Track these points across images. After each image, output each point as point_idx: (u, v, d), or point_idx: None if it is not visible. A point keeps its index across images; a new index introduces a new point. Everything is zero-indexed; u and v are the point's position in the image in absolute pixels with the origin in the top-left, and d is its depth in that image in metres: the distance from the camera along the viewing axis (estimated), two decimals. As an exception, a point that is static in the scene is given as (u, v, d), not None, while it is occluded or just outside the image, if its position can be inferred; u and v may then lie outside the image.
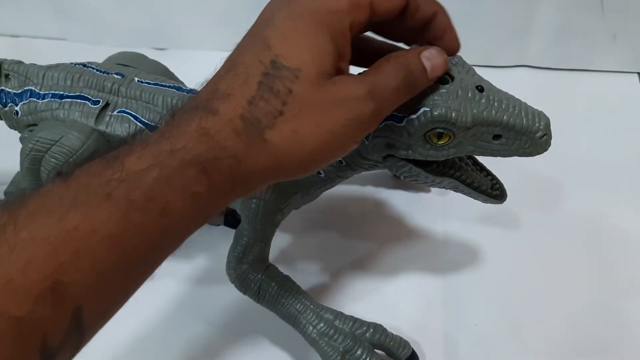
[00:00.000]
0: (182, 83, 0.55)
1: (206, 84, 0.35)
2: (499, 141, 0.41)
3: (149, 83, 0.49)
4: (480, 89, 0.40)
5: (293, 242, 0.59)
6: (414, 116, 0.39)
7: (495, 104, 0.40)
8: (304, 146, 0.33)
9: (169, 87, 0.49)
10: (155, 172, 0.30)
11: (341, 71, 0.35)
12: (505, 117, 0.40)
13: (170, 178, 0.30)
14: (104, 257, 0.29)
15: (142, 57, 0.54)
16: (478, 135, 0.40)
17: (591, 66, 0.74)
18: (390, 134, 0.41)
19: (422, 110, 0.39)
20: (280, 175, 0.34)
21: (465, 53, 0.83)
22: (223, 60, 0.35)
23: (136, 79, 0.49)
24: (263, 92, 0.32)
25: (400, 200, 0.62)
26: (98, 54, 0.81)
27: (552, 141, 0.41)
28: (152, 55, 0.81)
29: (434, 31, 0.39)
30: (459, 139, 0.40)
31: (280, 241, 0.58)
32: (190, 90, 0.50)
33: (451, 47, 0.40)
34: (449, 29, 0.39)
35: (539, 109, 0.42)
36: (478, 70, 0.43)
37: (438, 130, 0.39)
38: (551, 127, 0.41)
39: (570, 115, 0.71)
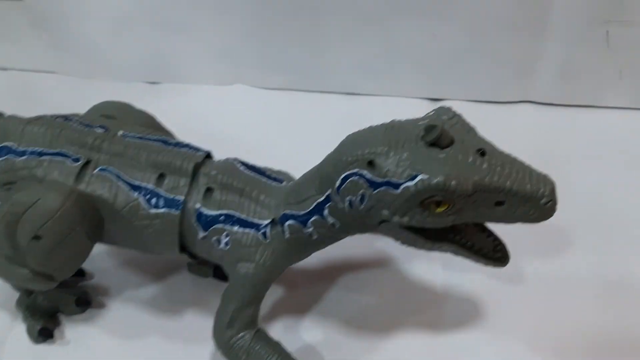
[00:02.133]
0: (169, 134, 0.53)
1: None
2: (501, 207, 0.39)
3: (133, 137, 0.46)
4: (482, 152, 0.38)
5: (286, 295, 0.56)
6: (410, 184, 0.37)
7: (498, 168, 0.38)
8: None
9: (154, 140, 0.47)
10: None
11: None
12: (508, 183, 0.37)
13: None
14: None
15: (128, 107, 0.51)
16: (479, 202, 0.38)
17: (597, 102, 0.72)
18: (385, 200, 0.38)
19: (419, 178, 0.37)
20: None
21: (470, 89, 0.81)
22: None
23: (120, 132, 0.46)
24: None
25: (399, 249, 0.59)
26: (90, 88, 0.80)
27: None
28: (146, 89, 0.80)
29: None
30: (459, 207, 0.38)
31: (272, 294, 0.56)
32: (177, 144, 0.47)
33: None
34: None
35: (544, 172, 0.39)
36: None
37: (436, 198, 0.37)
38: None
39: (576, 153, 0.69)
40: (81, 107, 0.76)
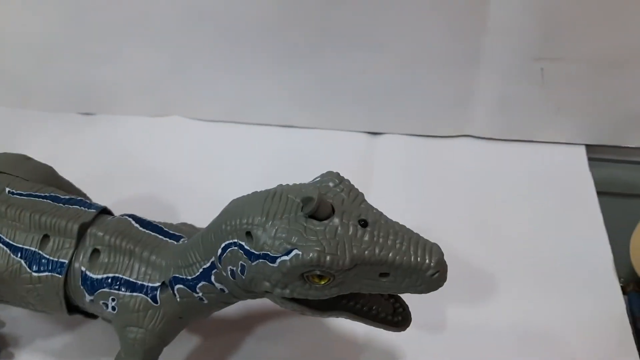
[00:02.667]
0: (69, 186, 0.50)
1: None
2: (386, 279, 0.37)
3: (20, 194, 0.44)
4: (364, 223, 0.36)
5: (200, 345, 0.55)
6: (286, 258, 0.35)
7: (380, 240, 0.36)
8: None
9: (43, 197, 0.45)
10: None
11: None
12: (390, 255, 0.36)
13: None
14: None
15: (23, 161, 0.49)
16: (362, 274, 0.36)
17: (535, 137, 0.71)
18: (265, 273, 0.37)
19: (293, 253, 0.35)
20: None
21: (409, 122, 0.79)
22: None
23: (7, 189, 0.44)
24: None
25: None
26: (22, 118, 0.77)
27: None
28: (79, 120, 0.78)
29: None
30: (340, 280, 0.36)
31: (186, 344, 0.54)
32: (69, 200, 0.45)
33: None
34: None
35: (433, 241, 0.37)
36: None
37: (315, 272, 0.35)
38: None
39: (512, 188, 0.67)
40: (13, 138, 0.75)
